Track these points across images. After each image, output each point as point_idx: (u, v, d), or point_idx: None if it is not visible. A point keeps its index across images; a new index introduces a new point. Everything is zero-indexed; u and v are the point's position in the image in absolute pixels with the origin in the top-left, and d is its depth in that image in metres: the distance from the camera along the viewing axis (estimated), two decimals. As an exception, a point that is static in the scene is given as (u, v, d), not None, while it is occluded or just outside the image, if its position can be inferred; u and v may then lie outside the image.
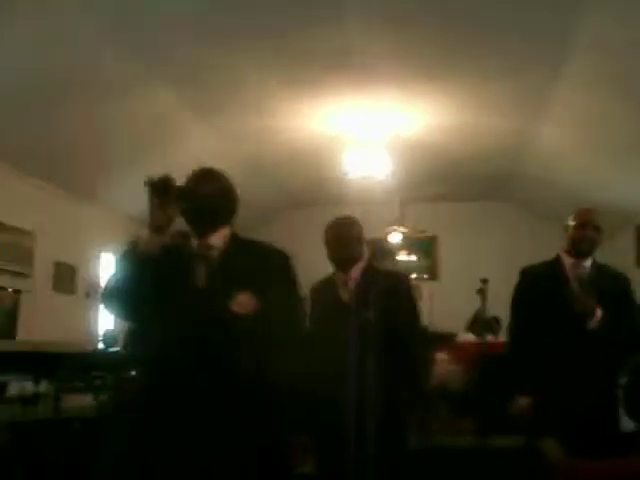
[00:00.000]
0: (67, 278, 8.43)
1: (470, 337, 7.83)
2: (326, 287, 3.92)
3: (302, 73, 6.87)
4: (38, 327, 7.49)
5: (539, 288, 3.96)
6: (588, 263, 3.96)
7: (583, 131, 8.07)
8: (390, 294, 3.70)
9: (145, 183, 2.47)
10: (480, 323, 6.70)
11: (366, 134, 8.42)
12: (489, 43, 6.12)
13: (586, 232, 3.93)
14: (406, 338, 3.73)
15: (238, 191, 2.82)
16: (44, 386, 5.28)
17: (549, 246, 4.33)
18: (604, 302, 3.76)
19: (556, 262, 4.04)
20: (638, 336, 3.97)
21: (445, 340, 7.87)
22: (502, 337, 7.98)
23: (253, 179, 9.85)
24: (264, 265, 2.64)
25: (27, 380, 5.35)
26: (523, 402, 3.78)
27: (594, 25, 5.49)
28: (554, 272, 3.98)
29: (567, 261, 3.98)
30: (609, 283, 3.91)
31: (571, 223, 3.98)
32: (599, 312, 3.73)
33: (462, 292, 9.91)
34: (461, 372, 6.77)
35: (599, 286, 3.84)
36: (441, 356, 7.19)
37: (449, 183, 11.04)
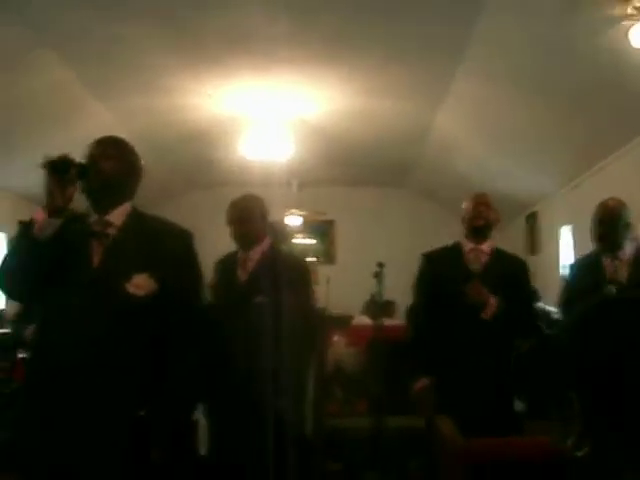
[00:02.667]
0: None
1: (366, 320, 7.92)
2: (228, 264, 3.91)
3: (202, 53, 6.76)
4: None
5: (438, 274, 4.02)
6: (487, 247, 4.03)
7: (479, 121, 8.25)
8: (289, 278, 3.74)
9: (43, 164, 2.37)
10: (376, 306, 6.77)
11: (266, 116, 8.38)
12: (390, 28, 6.15)
13: (479, 208, 4.01)
14: (297, 322, 3.75)
15: (142, 162, 2.76)
16: None
17: (445, 233, 4.40)
18: (501, 288, 3.83)
19: (456, 248, 4.09)
20: (532, 322, 4.09)
21: (341, 323, 7.96)
22: (397, 320, 8.13)
23: (149, 159, 9.65)
24: (164, 244, 2.55)
25: None
26: (424, 383, 3.85)
27: (495, 18, 5.60)
28: (454, 259, 4.02)
29: (467, 246, 4.04)
30: (506, 269, 3.99)
31: (465, 205, 4.07)
32: (493, 302, 3.79)
33: (358, 276, 10.01)
34: (356, 354, 6.84)
35: (497, 272, 3.92)
36: (337, 339, 7.26)
37: (348, 167, 11.11)
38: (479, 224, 4.00)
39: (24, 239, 2.41)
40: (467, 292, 3.80)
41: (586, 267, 4.16)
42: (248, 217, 3.86)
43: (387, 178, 11.85)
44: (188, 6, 5.80)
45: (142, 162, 2.73)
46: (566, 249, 8.95)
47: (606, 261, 4.00)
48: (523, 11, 5.39)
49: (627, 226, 4.02)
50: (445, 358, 3.80)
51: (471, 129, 8.61)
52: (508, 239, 11.40)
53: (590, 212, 4.13)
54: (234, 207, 3.92)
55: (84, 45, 6.37)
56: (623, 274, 3.95)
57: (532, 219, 10.59)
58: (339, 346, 7.11)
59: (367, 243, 11.69)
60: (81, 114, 7.84)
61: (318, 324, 4.40)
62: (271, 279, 3.65)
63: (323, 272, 12.01)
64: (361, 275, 9.36)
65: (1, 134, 7.45)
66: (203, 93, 7.81)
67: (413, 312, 4.18)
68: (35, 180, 2.44)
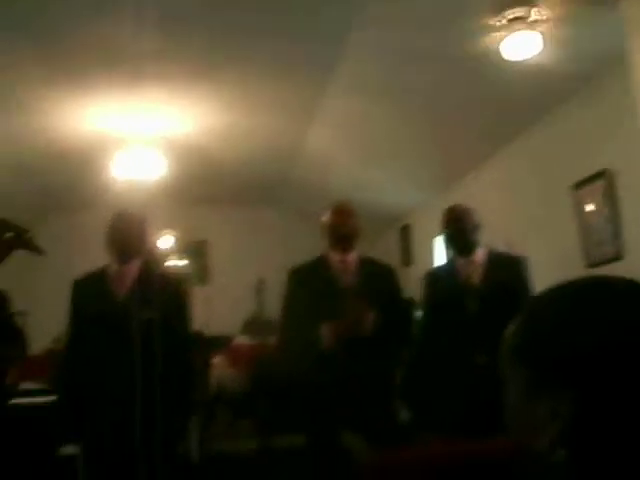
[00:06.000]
0: None
1: (245, 339, 7.84)
2: (96, 281, 3.72)
3: (66, 70, 6.52)
4: None
5: (307, 289, 3.86)
6: (354, 257, 3.93)
7: (351, 136, 8.32)
8: (165, 296, 3.62)
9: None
10: (256, 325, 6.71)
11: (136, 135, 8.20)
12: (259, 45, 6.13)
13: (342, 217, 3.90)
14: (174, 344, 3.61)
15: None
16: None
17: (319, 250, 4.30)
18: (375, 300, 3.74)
19: (322, 260, 3.93)
20: (406, 328, 4.04)
21: (220, 343, 7.84)
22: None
23: (16, 181, 9.31)
24: None
25: None
26: None
27: (364, 34, 5.66)
28: (321, 271, 3.87)
29: (334, 258, 3.89)
30: (376, 278, 3.89)
31: (325, 217, 3.96)
32: (371, 316, 3.70)
33: (234, 296, 9.94)
34: (239, 374, 6.76)
35: (368, 283, 3.83)
36: (218, 360, 7.15)
37: (219, 186, 10.98)
38: (344, 232, 3.88)
39: None
40: (345, 308, 3.69)
41: (441, 274, 4.19)
42: (129, 229, 3.70)
43: (259, 196, 11.80)
44: (47, 21, 5.60)
45: None
46: (439, 259, 9.15)
47: (459, 265, 4.02)
48: (395, 25, 5.46)
49: (475, 228, 4.03)
50: (323, 377, 3.69)
51: (343, 145, 8.67)
52: (382, 251, 11.58)
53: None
54: (116, 218, 3.75)
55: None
56: (477, 277, 3.97)
57: (405, 231, 10.78)
58: (221, 367, 7.01)
59: (242, 263, 11.58)
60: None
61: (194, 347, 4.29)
62: (150, 296, 3.50)
63: (197, 293, 11.88)
64: (237, 295, 9.23)
65: None
66: (69, 113, 7.56)
67: (282, 331, 4.03)
68: None
